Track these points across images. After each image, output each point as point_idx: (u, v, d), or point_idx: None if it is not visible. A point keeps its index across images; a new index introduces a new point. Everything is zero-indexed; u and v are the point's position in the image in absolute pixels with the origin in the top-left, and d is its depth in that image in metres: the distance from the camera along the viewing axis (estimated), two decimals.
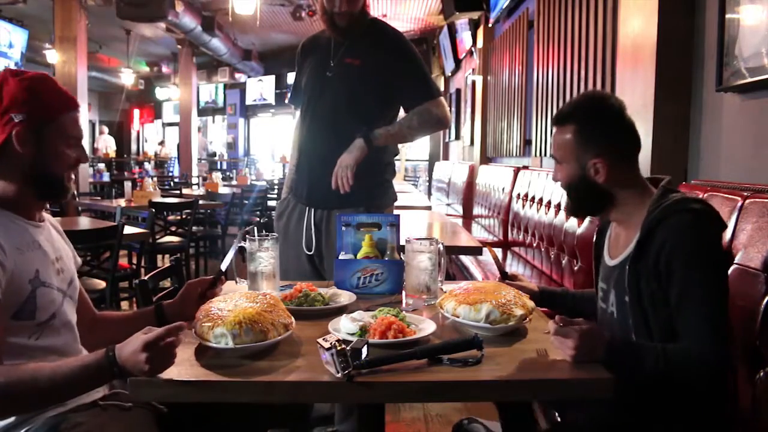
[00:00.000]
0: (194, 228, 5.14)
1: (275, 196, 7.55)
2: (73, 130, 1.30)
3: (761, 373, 1.34)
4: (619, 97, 1.41)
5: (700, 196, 1.45)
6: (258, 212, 6.57)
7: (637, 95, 2.39)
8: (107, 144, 14.16)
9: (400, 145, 2.31)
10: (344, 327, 1.24)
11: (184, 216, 4.91)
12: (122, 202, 5.24)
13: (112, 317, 1.57)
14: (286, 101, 2.39)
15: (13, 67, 9.47)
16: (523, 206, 3.91)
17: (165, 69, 15.04)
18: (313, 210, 2.14)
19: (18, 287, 1.20)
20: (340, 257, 1.71)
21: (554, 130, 1.42)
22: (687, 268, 1.22)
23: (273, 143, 15.86)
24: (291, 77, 14.31)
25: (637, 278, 1.29)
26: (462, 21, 7.37)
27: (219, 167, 14.88)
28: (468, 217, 6.10)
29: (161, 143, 16.31)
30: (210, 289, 1.46)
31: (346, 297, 1.52)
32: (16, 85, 1.23)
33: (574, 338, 1.09)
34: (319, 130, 2.14)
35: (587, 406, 1.36)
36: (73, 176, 1.35)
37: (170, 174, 13.46)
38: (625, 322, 1.34)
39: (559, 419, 1.49)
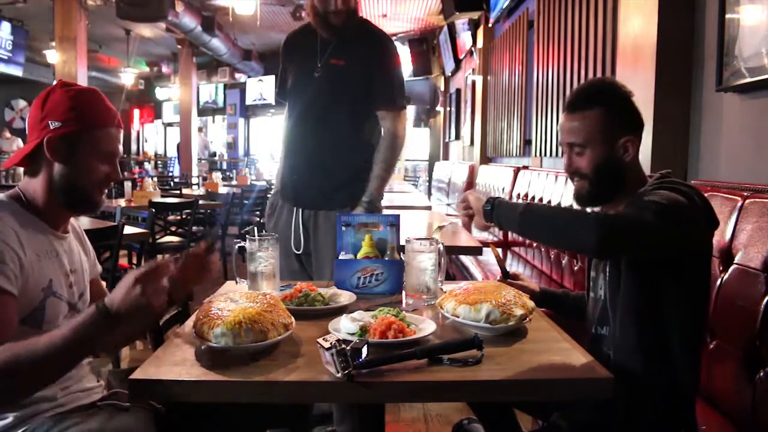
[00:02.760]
0: (194, 228, 5.14)
1: None
2: (108, 145, 1.30)
3: (761, 373, 1.34)
4: None
5: None
6: (258, 212, 6.57)
7: (637, 95, 2.37)
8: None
9: None
10: (344, 327, 1.24)
11: (184, 216, 4.91)
12: (122, 202, 5.24)
13: None
14: (275, 98, 2.40)
15: (9, 63, 9.51)
16: None
17: (165, 69, 15.03)
18: (300, 210, 2.16)
19: (31, 293, 1.19)
20: (340, 257, 1.71)
21: (570, 116, 1.37)
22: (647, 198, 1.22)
23: (273, 143, 15.88)
24: None
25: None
26: (462, 21, 7.37)
27: (219, 167, 14.87)
28: None
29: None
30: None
31: (346, 297, 1.52)
32: (61, 95, 1.26)
33: (464, 197, 1.38)
34: (306, 131, 2.16)
35: (573, 410, 1.35)
36: (105, 191, 1.34)
37: (170, 174, 13.44)
38: (614, 303, 1.33)
39: (543, 423, 1.49)
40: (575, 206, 1.44)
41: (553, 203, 3.29)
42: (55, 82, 1.32)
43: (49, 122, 1.24)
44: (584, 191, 1.39)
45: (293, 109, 2.20)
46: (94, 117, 1.28)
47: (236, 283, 1.65)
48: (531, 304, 1.34)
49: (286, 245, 2.16)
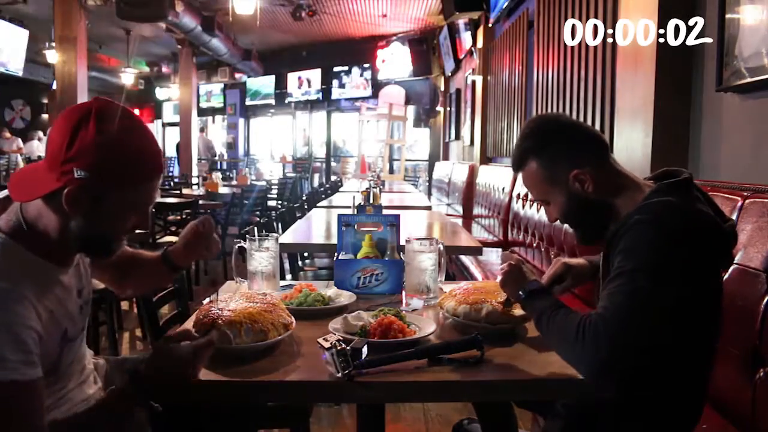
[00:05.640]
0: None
1: (275, 196, 7.56)
2: (142, 199, 1.09)
3: (761, 373, 1.34)
4: (556, 111, 1.38)
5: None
6: (258, 212, 6.57)
7: (637, 95, 2.39)
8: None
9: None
10: (344, 327, 1.24)
11: (184, 216, 4.91)
12: None
13: (135, 259, 1.51)
14: None
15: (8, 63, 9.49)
16: (523, 206, 3.91)
17: (165, 69, 15.03)
18: None
19: (48, 352, 1.04)
20: (340, 257, 1.71)
21: (521, 178, 1.38)
22: (625, 260, 1.11)
23: (272, 143, 15.87)
24: (291, 77, 14.34)
25: (607, 273, 1.24)
26: (462, 21, 7.38)
27: (219, 167, 14.86)
28: (468, 217, 6.10)
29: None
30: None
31: (346, 297, 1.52)
32: (94, 137, 1.00)
33: (506, 266, 1.24)
34: None
35: (570, 408, 1.35)
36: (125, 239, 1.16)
37: (170, 174, 13.44)
38: None
39: (541, 420, 1.49)
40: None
41: None
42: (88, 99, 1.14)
43: (75, 169, 0.99)
44: (578, 235, 1.37)
45: None
46: (130, 174, 1.04)
47: (236, 283, 1.65)
48: None
49: None
